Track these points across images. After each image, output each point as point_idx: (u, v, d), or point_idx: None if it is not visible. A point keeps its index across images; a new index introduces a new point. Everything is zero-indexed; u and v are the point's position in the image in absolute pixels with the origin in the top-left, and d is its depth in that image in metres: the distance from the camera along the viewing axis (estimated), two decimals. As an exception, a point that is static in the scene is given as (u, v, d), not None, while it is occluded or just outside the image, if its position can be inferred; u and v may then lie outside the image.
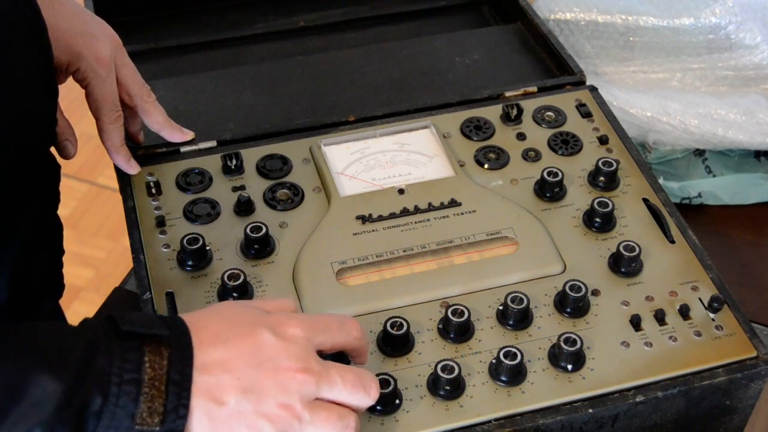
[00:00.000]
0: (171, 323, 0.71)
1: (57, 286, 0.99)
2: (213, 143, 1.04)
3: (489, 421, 0.83)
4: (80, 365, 0.66)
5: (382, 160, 1.02)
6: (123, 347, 0.68)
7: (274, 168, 1.01)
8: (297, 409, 0.71)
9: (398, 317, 0.86)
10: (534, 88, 1.12)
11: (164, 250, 0.93)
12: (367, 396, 0.76)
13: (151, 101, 1.00)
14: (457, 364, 0.83)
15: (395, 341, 0.86)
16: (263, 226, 0.93)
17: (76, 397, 0.65)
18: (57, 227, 0.97)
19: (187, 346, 0.70)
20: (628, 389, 0.85)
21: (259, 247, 0.93)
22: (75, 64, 0.94)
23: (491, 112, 1.08)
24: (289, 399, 0.71)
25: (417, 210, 0.97)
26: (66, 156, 0.98)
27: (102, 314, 1.10)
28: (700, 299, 0.91)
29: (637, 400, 0.85)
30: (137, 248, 0.94)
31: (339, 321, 0.78)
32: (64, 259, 1.00)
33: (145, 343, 0.69)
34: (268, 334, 0.73)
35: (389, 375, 0.83)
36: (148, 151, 1.03)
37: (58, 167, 0.94)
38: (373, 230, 0.95)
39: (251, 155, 1.02)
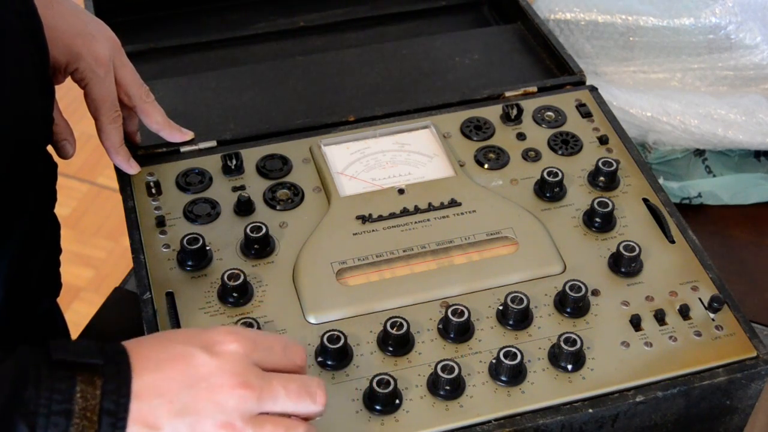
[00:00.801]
0: (108, 351, 0.69)
1: (54, 285, 0.99)
2: (213, 143, 1.04)
3: (489, 421, 0.83)
4: (7, 396, 0.64)
5: (382, 160, 1.02)
6: (53, 377, 0.66)
7: (274, 168, 1.01)
8: (238, 426, 0.69)
9: (398, 317, 0.86)
10: (534, 88, 1.12)
11: (164, 250, 0.93)
12: (313, 403, 0.73)
13: (150, 101, 1.00)
14: (457, 364, 0.83)
15: (395, 341, 0.86)
16: (263, 226, 0.93)
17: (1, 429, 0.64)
18: (54, 226, 0.97)
19: (124, 375, 0.67)
20: (628, 389, 0.85)
21: (259, 247, 0.93)
22: (74, 64, 0.94)
23: (491, 112, 1.08)
24: (229, 417, 0.69)
25: (417, 210, 0.97)
26: (64, 156, 0.98)
27: (102, 314, 1.11)
28: (700, 299, 0.91)
29: (637, 400, 0.85)
30: (137, 248, 0.94)
31: (284, 344, 0.75)
32: (64, 258, 1.00)
33: (78, 372, 0.66)
34: (201, 353, 0.70)
35: (389, 375, 0.83)
36: (148, 151, 1.03)
37: (55, 166, 0.94)
38: (373, 230, 0.95)
39: (251, 155, 1.02)
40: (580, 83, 1.13)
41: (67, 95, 1.10)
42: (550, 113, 1.08)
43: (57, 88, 0.97)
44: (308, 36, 1.30)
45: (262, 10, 1.32)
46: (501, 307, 0.89)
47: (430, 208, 0.97)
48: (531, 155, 1.04)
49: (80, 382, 0.66)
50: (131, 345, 0.71)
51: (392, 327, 0.86)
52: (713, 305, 0.90)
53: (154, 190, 0.99)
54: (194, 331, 0.73)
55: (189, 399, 0.68)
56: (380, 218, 0.96)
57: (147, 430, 0.67)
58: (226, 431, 0.68)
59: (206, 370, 0.69)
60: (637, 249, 0.93)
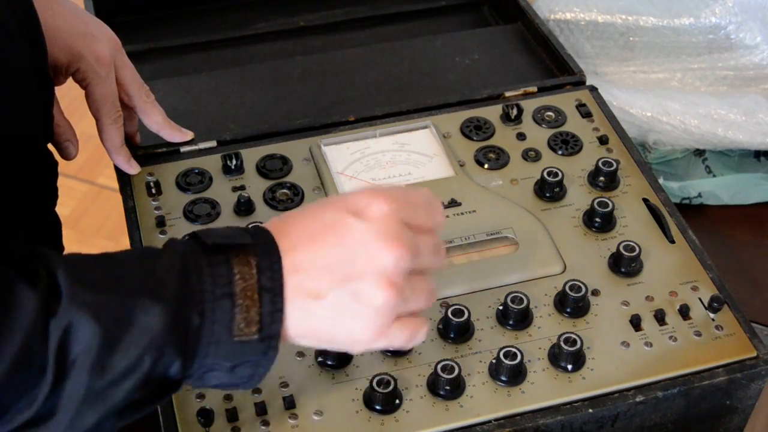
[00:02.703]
0: (254, 232, 0.71)
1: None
2: (213, 143, 1.04)
3: (489, 421, 0.83)
4: (176, 288, 0.67)
5: (382, 160, 1.02)
6: (211, 263, 0.68)
7: (274, 168, 1.01)
8: (399, 284, 0.70)
9: (398, 317, 0.86)
10: (534, 88, 1.12)
11: (164, 250, 0.93)
12: (442, 259, 0.77)
13: (150, 101, 1.00)
14: (457, 364, 0.83)
15: (395, 341, 0.86)
16: (263, 226, 0.93)
17: (177, 320, 0.66)
18: (56, 225, 0.97)
19: (273, 251, 0.69)
20: (628, 389, 0.85)
21: (259, 247, 0.93)
22: (75, 64, 0.94)
23: (491, 112, 1.08)
24: (390, 276, 0.70)
25: (417, 210, 0.97)
26: (67, 157, 0.98)
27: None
28: (700, 299, 0.91)
29: (637, 400, 0.85)
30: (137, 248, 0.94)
31: (427, 201, 0.75)
32: (64, 258, 1.00)
33: (232, 255, 0.68)
34: (353, 219, 0.71)
35: (389, 375, 0.83)
36: (148, 151, 1.03)
37: (55, 164, 0.94)
38: (373, 230, 0.95)
39: (251, 155, 1.02)
40: (580, 83, 1.13)
41: (68, 95, 1.10)
42: (550, 113, 1.08)
43: (58, 88, 0.97)
44: (308, 36, 1.30)
45: (262, 10, 1.32)
46: (501, 307, 0.89)
47: (430, 208, 0.97)
48: (531, 155, 1.04)
49: (236, 264, 0.68)
50: (276, 224, 0.72)
51: (392, 327, 0.86)
52: (713, 305, 0.90)
53: (154, 190, 0.99)
54: (339, 199, 0.74)
55: (349, 266, 0.69)
56: (380, 218, 0.96)
57: (311, 300, 0.69)
58: (388, 290, 0.70)
59: (361, 236, 0.70)
60: (637, 249, 0.93)
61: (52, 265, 0.65)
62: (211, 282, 0.67)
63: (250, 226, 0.74)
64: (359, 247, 0.70)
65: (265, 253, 0.69)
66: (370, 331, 0.71)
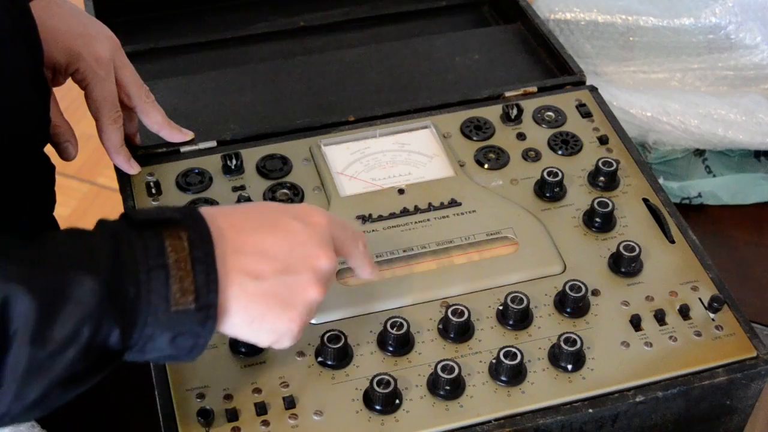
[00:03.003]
0: (182, 210, 0.74)
1: None
2: (213, 143, 1.04)
3: (489, 421, 0.83)
4: (110, 260, 0.69)
5: (382, 160, 1.02)
6: (142, 236, 0.71)
7: (274, 168, 1.01)
8: (324, 287, 0.77)
9: (398, 317, 0.86)
10: (534, 88, 1.12)
11: (164, 250, 0.93)
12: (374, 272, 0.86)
13: (150, 101, 1.00)
14: (457, 364, 0.83)
15: (395, 341, 0.86)
16: (263, 226, 0.93)
17: (112, 290, 0.68)
18: (54, 229, 0.97)
19: (203, 228, 0.72)
20: (628, 389, 0.85)
21: (259, 247, 0.93)
22: (74, 64, 0.94)
23: (491, 112, 1.08)
24: (320, 278, 0.77)
25: (417, 210, 0.97)
26: (67, 158, 0.98)
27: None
28: (700, 299, 0.91)
29: (637, 400, 0.85)
30: (137, 248, 0.94)
31: (353, 230, 0.83)
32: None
33: (162, 229, 0.71)
34: (296, 222, 0.77)
35: (389, 375, 0.83)
36: (148, 151, 1.03)
37: (52, 168, 0.94)
38: (373, 230, 0.95)
39: (251, 155, 1.02)
40: (580, 83, 1.13)
41: (68, 95, 1.10)
42: (550, 113, 1.08)
43: (57, 89, 0.97)
44: (308, 36, 1.30)
45: (262, 10, 1.32)
46: (501, 307, 0.89)
47: (430, 208, 0.97)
48: (531, 155, 1.04)
49: (167, 237, 0.71)
50: (216, 209, 0.77)
51: (392, 327, 0.86)
52: (713, 305, 0.90)
53: (154, 190, 0.99)
54: (279, 205, 0.82)
55: (289, 260, 0.75)
56: (380, 218, 0.96)
57: (250, 279, 0.74)
58: (320, 289, 0.76)
59: (303, 237, 0.77)
60: (637, 249, 0.93)
61: None
62: (144, 254, 0.70)
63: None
64: (300, 247, 0.76)
65: (195, 228, 0.72)
66: (296, 323, 0.76)
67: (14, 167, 0.83)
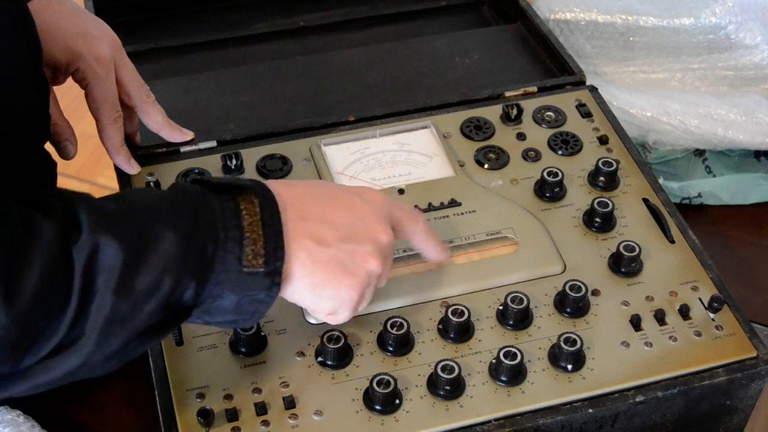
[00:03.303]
0: (252, 179, 0.78)
1: None
2: (213, 143, 1.04)
3: (489, 421, 0.83)
4: (191, 217, 0.72)
5: (382, 160, 1.02)
6: (220, 198, 0.74)
7: (274, 168, 1.01)
8: (383, 260, 0.80)
9: (398, 317, 0.86)
10: (534, 88, 1.12)
11: (164, 250, 0.93)
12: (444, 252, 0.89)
13: (150, 101, 1.00)
14: (457, 364, 0.83)
15: (395, 341, 0.86)
16: (263, 226, 0.93)
17: (193, 246, 0.71)
18: None
19: (269, 195, 0.75)
20: (628, 389, 0.85)
21: (259, 247, 0.93)
22: (74, 64, 0.94)
23: (491, 112, 1.08)
24: (380, 251, 0.79)
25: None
26: (66, 157, 0.98)
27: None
28: (700, 299, 0.91)
29: (637, 400, 0.85)
30: (137, 248, 0.94)
31: (410, 209, 0.86)
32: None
33: (237, 194, 0.75)
34: (356, 197, 0.81)
35: (389, 375, 0.83)
36: (148, 151, 1.03)
37: (54, 165, 0.94)
38: (373, 230, 0.95)
39: (251, 155, 1.02)
40: (580, 83, 1.13)
41: (68, 95, 1.10)
42: (550, 113, 1.08)
43: (58, 88, 0.97)
44: (308, 36, 1.30)
45: (262, 10, 1.32)
46: (501, 307, 0.89)
47: (430, 208, 0.97)
48: (531, 155, 1.04)
49: (242, 201, 0.74)
50: (281, 182, 0.80)
51: (392, 327, 0.86)
52: (713, 305, 0.90)
53: (154, 190, 0.99)
54: (337, 183, 0.88)
55: (352, 230, 0.79)
56: (380, 218, 0.96)
57: (314, 244, 0.77)
58: (381, 260, 0.79)
59: (363, 211, 0.80)
60: (637, 249, 0.93)
61: (71, 200, 0.69)
62: (222, 214, 0.73)
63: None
64: (361, 220, 0.80)
65: (263, 196, 0.75)
66: (357, 291, 0.79)
67: (15, 164, 0.83)
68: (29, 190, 0.87)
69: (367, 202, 0.81)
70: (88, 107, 0.97)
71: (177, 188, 0.75)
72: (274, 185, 0.77)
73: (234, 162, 1.00)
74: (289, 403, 0.83)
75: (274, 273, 0.74)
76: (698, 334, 0.89)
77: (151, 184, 0.99)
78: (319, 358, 0.85)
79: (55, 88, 0.96)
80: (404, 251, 0.93)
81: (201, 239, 0.71)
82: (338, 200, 0.80)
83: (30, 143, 0.87)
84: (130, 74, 0.99)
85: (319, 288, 0.77)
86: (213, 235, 0.72)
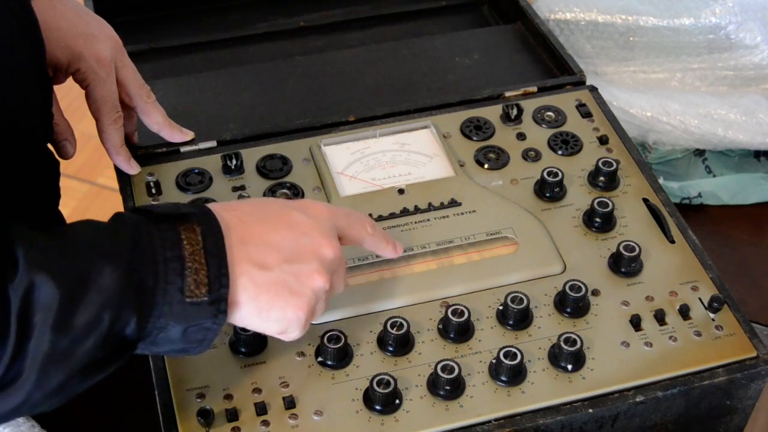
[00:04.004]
0: (193, 205, 0.77)
1: None
2: (213, 143, 1.04)
3: (489, 421, 0.83)
4: (130, 251, 0.71)
5: (382, 160, 1.02)
6: (160, 229, 0.73)
7: (274, 168, 1.01)
8: (327, 276, 0.79)
9: (398, 317, 0.86)
10: (534, 88, 1.12)
11: (164, 250, 0.93)
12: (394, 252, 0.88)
13: (150, 102, 1.00)
14: (457, 364, 0.83)
15: (395, 341, 0.86)
16: (263, 226, 0.93)
17: (132, 280, 0.70)
18: (60, 223, 0.97)
19: (213, 220, 0.74)
20: (628, 389, 0.85)
21: (259, 247, 0.93)
22: (75, 64, 0.94)
23: (491, 112, 1.08)
24: (325, 269, 0.78)
25: (417, 210, 0.97)
26: (65, 156, 0.98)
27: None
28: (700, 299, 0.91)
29: (637, 400, 0.85)
30: (137, 248, 0.93)
31: (357, 216, 0.85)
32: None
33: (178, 223, 0.73)
34: (298, 213, 0.79)
35: (389, 375, 0.83)
36: (148, 151, 1.03)
37: (56, 164, 0.94)
38: (373, 230, 0.95)
39: (251, 155, 1.02)
40: (580, 83, 1.13)
41: (68, 95, 1.10)
42: (550, 113, 1.08)
43: (58, 88, 0.97)
44: (308, 36, 1.30)
45: (262, 10, 1.32)
46: (501, 307, 0.89)
47: (430, 208, 0.97)
48: (531, 155, 1.04)
49: (183, 230, 0.73)
50: (222, 204, 0.79)
51: (392, 327, 0.86)
52: (713, 305, 0.90)
53: (154, 190, 0.99)
54: (280, 199, 0.84)
55: (296, 249, 0.77)
56: (380, 218, 0.96)
57: (256, 268, 0.75)
58: (325, 277, 0.78)
59: (306, 228, 0.79)
60: (637, 249, 0.93)
61: (9, 236, 0.68)
62: (161, 245, 0.72)
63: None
64: (304, 237, 0.78)
65: (206, 222, 0.74)
66: (304, 310, 0.77)
67: (19, 162, 0.83)
68: (32, 188, 0.88)
69: (310, 217, 0.80)
70: (89, 108, 0.97)
71: (117, 219, 0.74)
72: (215, 209, 0.76)
73: (234, 162, 1.00)
74: (289, 403, 0.83)
75: (219, 300, 0.73)
76: (698, 334, 0.89)
77: (151, 184, 0.99)
78: (319, 358, 0.85)
79: (55, 88, 0.96)
80: (404, 251, 0.93)
81: (140, 272, 0.70)
82: (280, 219, 0.79)
83: (32, 141, 0.87)
84: (131, 74, 0.99)
85: (264, 311, 0.76)
86: (153, 267, 0.71)
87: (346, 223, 0.83)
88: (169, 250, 0.71)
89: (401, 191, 0.99)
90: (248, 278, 0.75)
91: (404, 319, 0.86)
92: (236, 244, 0.75)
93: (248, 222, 0.77)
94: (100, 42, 0.95)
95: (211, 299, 0.72)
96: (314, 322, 0.88)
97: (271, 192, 0.98)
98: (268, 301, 0.76)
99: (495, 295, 0.91)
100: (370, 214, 0.96)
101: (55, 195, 0.95)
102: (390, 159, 1.03)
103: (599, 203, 0.96)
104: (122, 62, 0.98)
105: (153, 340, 0.73)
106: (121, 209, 0.97)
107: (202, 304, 0.72)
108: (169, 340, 0.73)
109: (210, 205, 0.77)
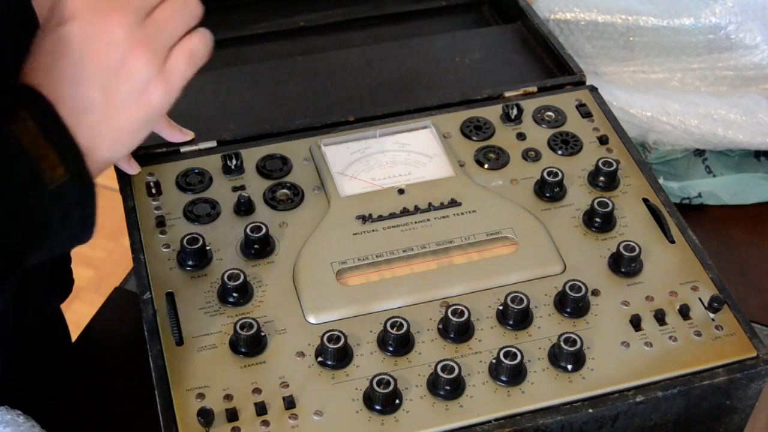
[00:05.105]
0: (9, 90, 0.72)
1: (66, 282, 0.98)
2: (213, 143, 1.04)
3: (489, 421, 0.83)
4: None
5: (382, 160, 1.02)
6: None
7: (274, 168, 1.01)
8: (142, 37, 0.72)
9: (398, 317, 0.86)
10: (534, 88, 1.12)
11: (164, 250, 0.93)
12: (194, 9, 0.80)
13: None
14: (457, 364, 0.83)
15: (395, 341, 0.86)
16: (263, 226, 0.93)
17: None
18: None
19: (36, 95, 0.70)
20: (628, 389, 0.85)
21: (259, 247, 0.93)
22: None
23: (491, 112, 1.08)
24: (129, 39, 0.71)
25: (417, 210, 0.97)
26: None
27: (102, 314, 1.11)
28: (700, 299, 0.91)
29: (637, 400, 0.85)
30: (137, 248, 0.94)
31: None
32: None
33: (7, 119, 0.70)
34: (62, 29, 0.71)
35: (389, 375, 0.83)
36: (148, 151, 1.03)
37: None
38: (373, 230, 0.95)
39: (251, 155, 1.02)
40: (580, 83, 1.13)
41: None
42: (550, 113, 1.08)
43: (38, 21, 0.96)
44: (308, 36, 1.30)
45: (262, 10, 1.32)
46: (501, 307, 0.89)
47: (430, 208, 0.97)
48: (531, 155, 1.04)
49: (11, 124, 0.69)
50: (22, 76, 0.73)
51: (392, 327, 0.86)
52: (713, 305, 0.90)
53: (154, 190, 0.99)
54: (47, 22, 0.73)
55: (91, 65, 0.71)
56: (380, 218, 0.96)
57: (89, 113, 0.71)
58: (138, 49, 0.72)
59: (77, 36, 0.71)
60: (637, 249, 0.93)
61: None
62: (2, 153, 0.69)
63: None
64: (84, 45, 0.71)
65: (30, 102, 0.70)
66: (159, 87, 0.73)
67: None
68: None
69: (69, 22, 0.71)
70: None
71: None
72: (34, 81, 0.71)
73: (234, 162, 1.00)
74: (289, 403, 0.83)
75: (80, 173, 0.71)
76: (698, 334, 0.89)
77: (151, 184, 0.99)
78: (319, 358, 0.85)
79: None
80: (404, 251, 0.93)
81: None
82: (57, 51, 0.71)
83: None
84: None
85: (118, 140, 0.74)
86: (5, 168, 0.69)
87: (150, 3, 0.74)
88: (11, 154, 0.69)
89: (401, 191, 0.99)
90: (88, 130, 0.72)
91: (404, 319, 0.86)
92: (57, 105, 0.71)
93: (44, 82, 0.71)
94: None
95: (72, 175, 0.70)
96: (315, 323, 0.88)
97: (271, 192, 0.99)
98: (118, 129, 0.73)
99: (495, 295, 0.91)
100: (370, 215, 0.96)
101: None
102: (390, 159, 1.03)
103: (599, 203, 0.96)
104: None
105: (41, 241, 0.71)
106: (121, 209, 0.98)
107: (66, 185, 0.70)
108: (54, 234, 0.71)
109: (28, 77, 0.72)
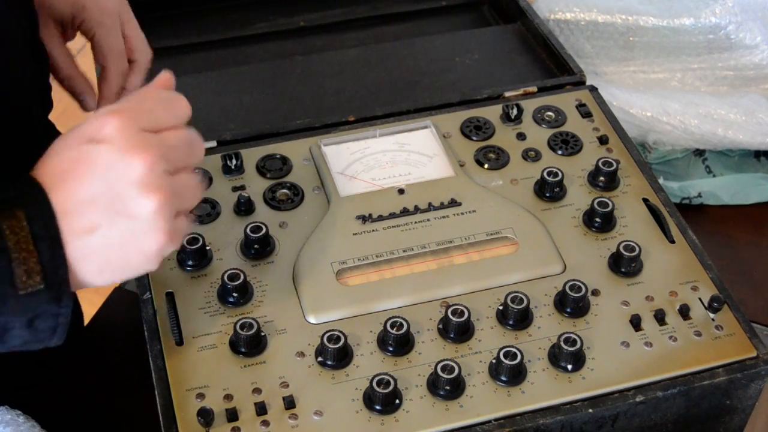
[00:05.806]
0: (18, 183, 0.70)
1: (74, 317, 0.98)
2: (213, 143, 1.04)
3: (489, 421, 0.83)
4: None
5: (382, 160, 1.02)
6: None
7: (274, 168, 1.01)
8: (162, 186, 0.70)
9: (398, 317, 0.86)
10: (534, 88, 1.12)
11: (164, 250, 0.93)
12: (199, 153, 0.78)
13: (149, 59, 0.99)
14: (457, 364, 0.83)
15: (395, 341, 0.86)
16: (263, 226, 0.93)
17: None
18: None
19: (42, 198, 0.68)
20: (628, 389, 0.85)
21: (259, 247, 0.93)
22: (80, 16, 0.93)
23: (491, 112, 1.08)
24: (149, 183, 0.70)
25: (417, 210, 0.97)
26: (87, 109, 0.97)
27: (102, 314, 1.11)
28: (700, 299, 0.91)
29: (637, 400, 0.85)
30: (137, 248, 0.94)
31: (165, 101, 0.75)
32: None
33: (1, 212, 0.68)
34: (92, 147, 0.70)
35: (389, 375, 0.83)
36: (148, 151, 1.03)
37: (58, 135, 0.94)
38: (373, 230, 0.95)
39: (251, 155, 1.02)
40: (580, 83, 1.13)
41: (66, 98, 1.10)
42: (550, 113, 1.08)
43: (63, 94, 0.96)
44: (308, 36, 1.30)
45: (262, 10, 1.32)
46: (501, 307, 0.89)
47: (430, 208, 0.97)
48: (531, 155, 1.04)
49: (4, 219, 0.67)
50: (38, 170, 0.71)
51: (392, 327, 0.86)
52: (713, 305, 0.90)
53: (154, 190, 0.99)
54: (74, 131, 0.72)
55: (108, 192, 0.69)
56: (380, 218, 0.96)
57: (86, 236, 0.69)
58: (154, 195, 0.70)
59: (105, 159, 0.69)
60: (637, 249, 0.93)
61: None
62: None
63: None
64: (109, 171, 0.69)
65: (33, 203, 0.68)
66: (160, 238, 0.71)
67: (17, 136, 0.82)
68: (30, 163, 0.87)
69: (104, 143, 0.70)
70: (95, 59, 0.96)
71: None
72: (42, 179, 0.69)
73: (234, 162, 1.00)
74: (289, 403, 0.83)
75: (58, 284, 0.68)
76: (698, 334, 0.89)
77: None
78: (319, 358, 0.85)
79: (60, 91, 0.96)
80: (404, 251, 0.93)
81: None
82: (78, 162, 0.70)
83: (31, 114, 0.86)
84: (135, 29, 0.98)
85: (122, 268, 0.72)
86: None
87: (148, 120, 0.72)
88: None
89: (401, 191, 0.99)
90: (83, 250, 0.69)
91: (404, 319, 0.86)
92: (59, 218, 0.69)
93: (54, 185, 0.69)
94: None
95: (48, 284, 0.68)
96: (315, 323, 0.88)
97: (271, 192, 0.99)
98: (120, 258, 0.71)
99: (495, 295, 0.91)
100: (370, 215, 0.96)
101: None
102: (390, 159, 1.03)
103: (599, 203, 0.96)
104: (127, 16, 0.97)
105: (1, 339, 0.69)
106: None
107: (39, 293, 0.67)
108: (19, 336, 0.69)
109: (38, 176, 0.70)
